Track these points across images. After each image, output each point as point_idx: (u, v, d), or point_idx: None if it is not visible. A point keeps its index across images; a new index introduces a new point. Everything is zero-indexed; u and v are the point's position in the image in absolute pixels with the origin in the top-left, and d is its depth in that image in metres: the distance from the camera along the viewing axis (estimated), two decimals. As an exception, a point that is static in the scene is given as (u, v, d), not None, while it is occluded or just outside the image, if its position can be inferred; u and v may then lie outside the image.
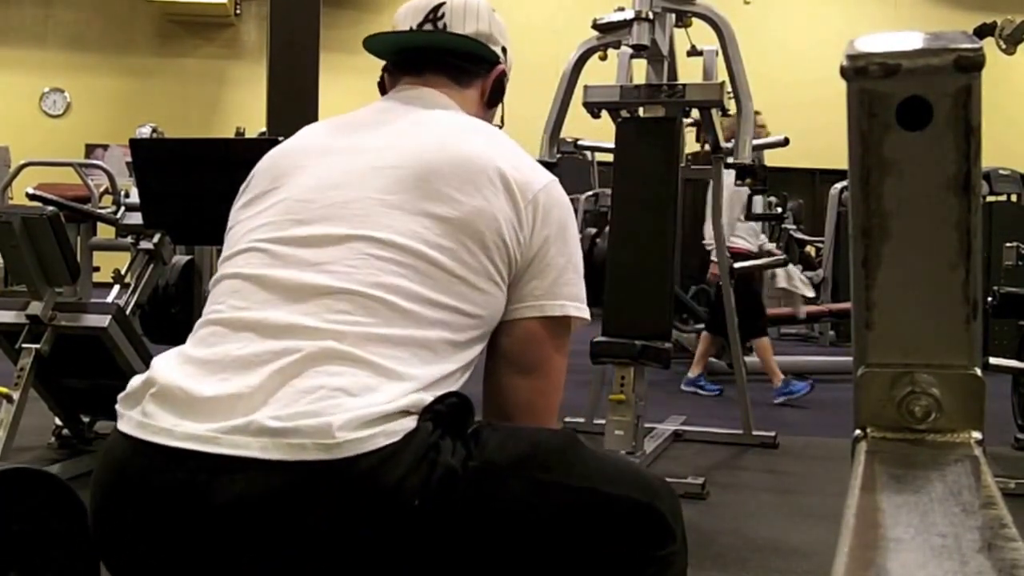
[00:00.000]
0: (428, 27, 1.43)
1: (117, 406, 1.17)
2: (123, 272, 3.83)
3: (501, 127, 1.49)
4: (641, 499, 1.16)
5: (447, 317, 1.16)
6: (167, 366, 1.16)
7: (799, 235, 9.10)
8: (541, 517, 1.11)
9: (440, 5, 1.43)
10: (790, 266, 6.92)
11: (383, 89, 1.49)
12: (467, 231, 1.18)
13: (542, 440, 1.18)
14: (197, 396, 1.09)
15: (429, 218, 1.18)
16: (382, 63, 1.49)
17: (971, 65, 0.52)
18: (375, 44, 1.45)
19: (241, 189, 1.36)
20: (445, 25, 1.43)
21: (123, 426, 1.14)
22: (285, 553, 1.04)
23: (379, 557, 1.05)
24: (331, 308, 1.12)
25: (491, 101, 1.48)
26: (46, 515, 1.55)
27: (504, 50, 1.49)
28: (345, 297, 1.13)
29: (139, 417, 1.12)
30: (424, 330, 1.13)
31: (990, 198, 7.76)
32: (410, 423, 1.07)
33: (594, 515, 1.13)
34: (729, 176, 4.09)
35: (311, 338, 1.10)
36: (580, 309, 1.29)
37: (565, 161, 4.14)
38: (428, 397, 1.10)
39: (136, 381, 1.17)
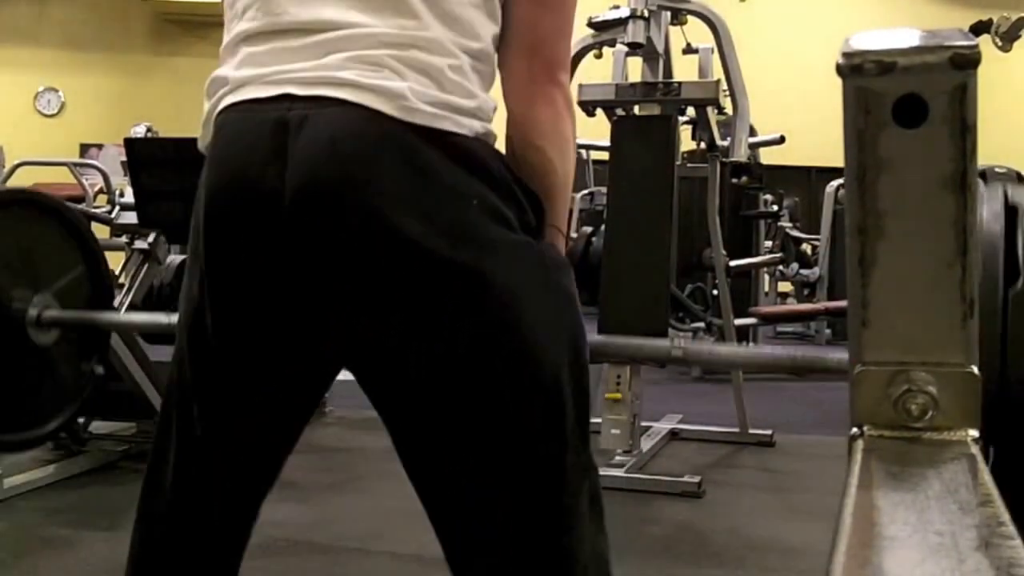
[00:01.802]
0: None
1: (210, 108, 1.19)
2: (118, 272, 3.83)
3: None
4: (590, 459, 1.16)
5: None
6: (229, 68, 1.17)
7: (795, 233, 9.11)
8: (545, 340, 1.11)
9: None
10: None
11: None
12: None
13: (581, 319, 1.20)
14: (274, 69, 1.11)
15: None
16: None
17: (967, 62, 0.52)
18: None
19: None
20: None
21: (218, 108, 1.15)
22: (352, 209, 1.05)
23: (415, 244, 1.05)
24: (368, 7, 1.11)
25: None
26: (60, 245, 1.63)
27: None
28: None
29: (228, 96, 1.14)
30: (459, 17, 1.13)
31: (985, 196, 7.77)
32: (477, 125, 1.10)
33: (565, 400, 1.12)
34: None
35: (363, 29, 1.10)
36: None
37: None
38: (486, 102, 1.13)
39: (220, 90, 1.17)
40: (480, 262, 1.07)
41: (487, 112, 1.14)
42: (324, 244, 1.07)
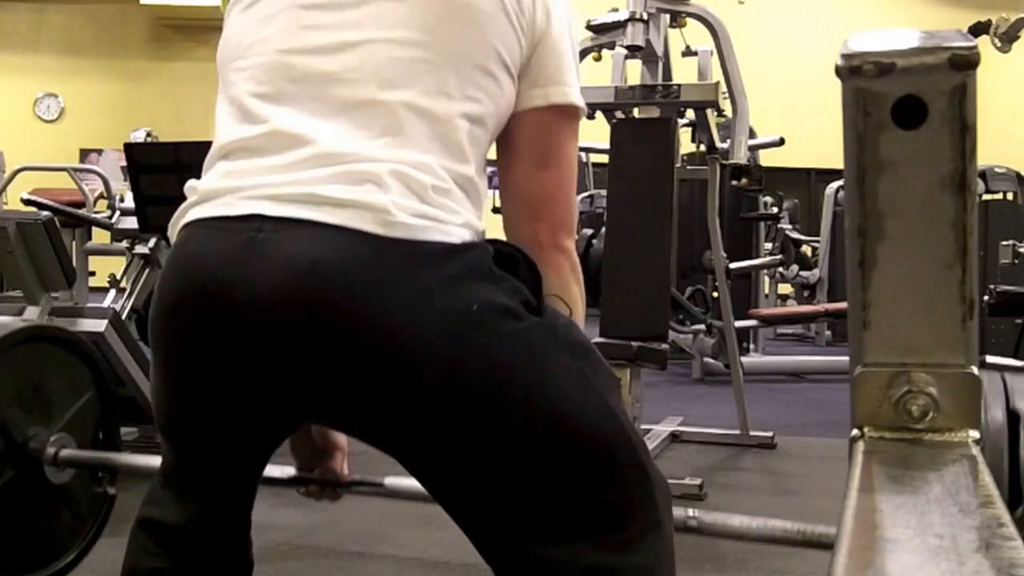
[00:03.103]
0: None
1: (170, 226, 1.18)
2: (119, 277, 3.83)
3: None
4: (647, 469, 1.15)
5: (465, 108, 1.15)
6: (206, 179, 1.16)
7: (795, 235, 9.11)
8: (572, 403, 1.10)
9: None
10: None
11: None
12: (473, 13, 1.17)
13: (601, 358, 1.19)
14: (250, 183, 1.09)
15: (436, 5, 1.16)
16: None
17: (966, 63, 0.52)
18: None
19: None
20: None
21: (182, 223, 1.14)
22: (327, 327, 1.03)
23: (411, 349, 1.03)
24: (357, 123, 1.11)
25: None
26: (71, 374, 1.67)
27: None
28: (369, 109, 1.11)
29: (195, 209, 1.13)
30: (445, 125, 1.12)
31: (986, 196, 7.77)
32: (466, 233, 1.08)
33: (610, 441, 1.12)
34: None
35: (347, 147, 1.09)
36: (581, 99, 1.30)
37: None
38: (474, 218, 1.11)
39: (185, 202, 1.17)
40: (490, 358, 1.05)
41: (475, 228, 1.11)
42: (311, 359, 1.05)
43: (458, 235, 1.07)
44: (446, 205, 1.08)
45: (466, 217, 1.10)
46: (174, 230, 1.17)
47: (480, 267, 1.08)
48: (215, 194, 1.12)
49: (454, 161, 1.12)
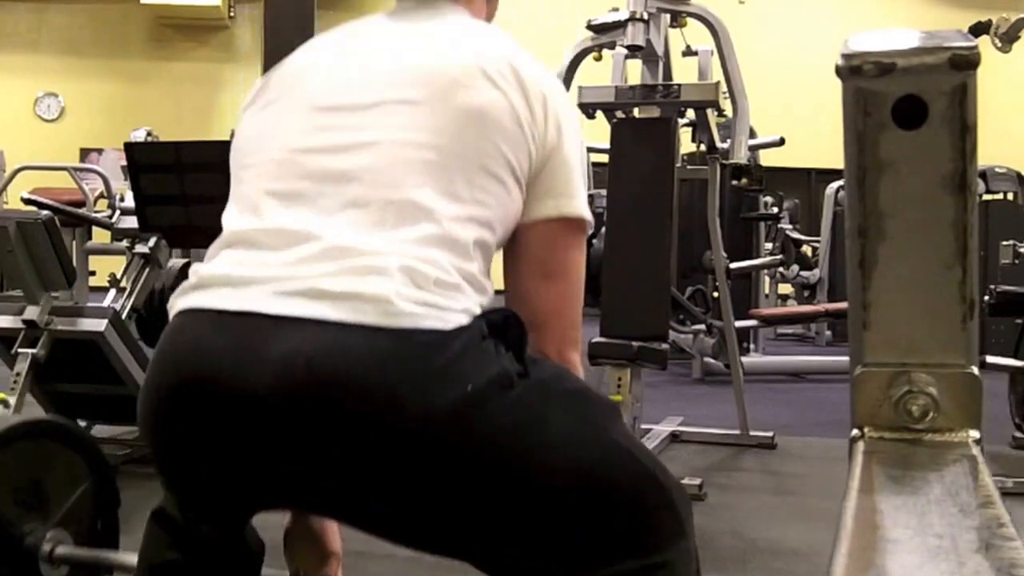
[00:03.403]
0: None
1: (169, 305, 1.19)
2: (119, 276, 3.83)
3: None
4: (664, 484, 1.18)
5: (474, 212, 1.16)
6: (210, 266, 1.17)
7: (795, 235, 9.11)
8: (578, 451, 1.12)
9: None
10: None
11: None
12: (486, 120, 1.19)
13: (593, 393, 1.23)
14: (250, 275, 1.10)
15: (450, 110, 1.19)
16: None
17: (966, 63, 0.51)
18: None
19: (253, 93, 1.35)
20: None
21: (179, 307, 1.16)
22: (330, 418, 1.04)
23: (417, 432, 1.05)
24: (363, 221, 1.12)
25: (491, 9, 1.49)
26: (69, 465, 1.66)
27: None
28: (375, 208, 1.13)
29: (194, 296, 1.14)
30: (451, 228, 1.14)
31: (986, 196, 7.77)
32: (463, 319, 1.09)
33: (623, 473, 1.15)
34: None
35: (350, 243, 1.10)
36: (588, 211, 1.32)
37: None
38: (474, 305, 1.12)
39: (185, 283, 1.18)
40: (491, 434, 1.07)
41: (473, 313, 1.12)
42: (310, 450, 1.07)
43: (454, 320, 1.08)
44: (448, 294, 1.09)
45: (466, 304, 1.11)
46: (173, 305, 1.18)
47: (472, 347, 1.09)
48: (216, 282, 1.13)
49: (461, 260, 1.13)
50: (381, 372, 1.03)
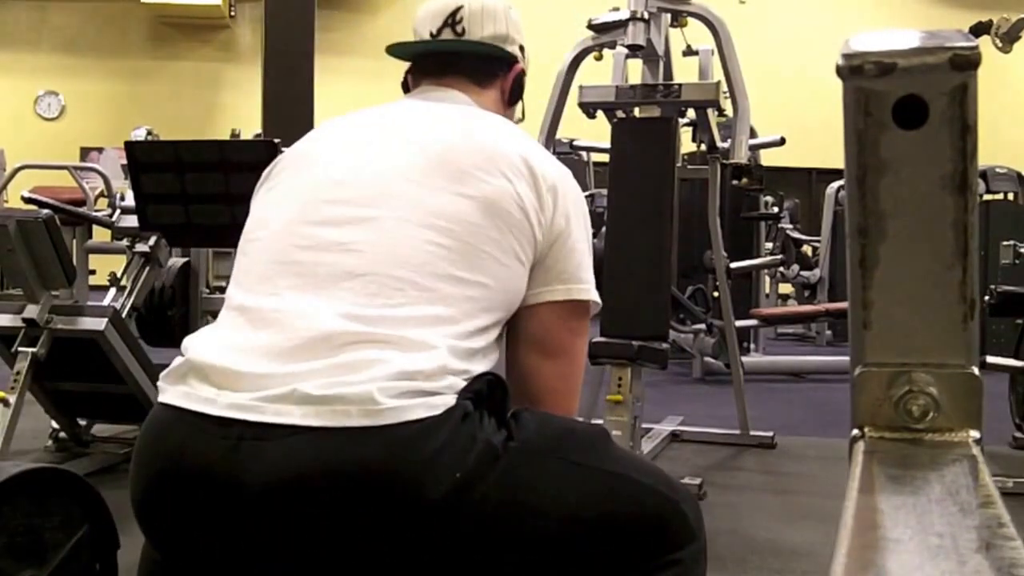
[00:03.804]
0: (447, 32, 1.48)
1: (159, 382, 1.21)
2: (119, 275, 3.83)
3: (522, 120, 1.59)
4: (669, 495, 1.21)
5: (474, 293, 1.19)
6: (203, 347, 1.18)
7: (795, 234, 9.11)
8: (575, 497, 1.14)
9: (458, 9, 1.49)
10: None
11: (406, 88, 1.55)
12: (493, 209, 1.22)
13: (579, 428, 1.25)
14: (236, 371, 1.12)
15: (457, 197, 1.22)
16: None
17: (967, 63, 0.51)
18: (397, 51, 1.52)
19: (264, 175, 1.39)
20: (464, 29, 1.48)
21: (164, 398, 1.17)
22: (322, 519, 1.06)
23: (414, 525, 1.07)
24: (359, 292, 1.14)
25: (511, 99, 1.55)
26: (65, 511, 1.64)
27: (521, 48, 1.57)
28: (374, 280, 1.15)
29: (182, 388, 1.15)
30: (450, 307, 1.16)
31: (987, 196, 7.77)
32: (450, 399, 1.10)
33: (625, 501, 1.17)
34: None
35: (343, 323, 1.12)
36: (596, 295, 1.35)
37: (561, 162, 4.13)
38: (462, 380, 1.13)
39: (176, 360, 1.20)
40: (487, 512, 1.09)
41: (458, 388, 1.13)
42: (305, 553, 1.08)
43: (442, 404, 1.09)
44: (436, 376, 1.10)
45: (452, 381, 1.12)
46: (163, 387, 1.19)
47: (458, 430, 1.09)
48: (202, 374, 1.14)
49: (456, 339, 1.15)
50: (368, 472, 1.05)
